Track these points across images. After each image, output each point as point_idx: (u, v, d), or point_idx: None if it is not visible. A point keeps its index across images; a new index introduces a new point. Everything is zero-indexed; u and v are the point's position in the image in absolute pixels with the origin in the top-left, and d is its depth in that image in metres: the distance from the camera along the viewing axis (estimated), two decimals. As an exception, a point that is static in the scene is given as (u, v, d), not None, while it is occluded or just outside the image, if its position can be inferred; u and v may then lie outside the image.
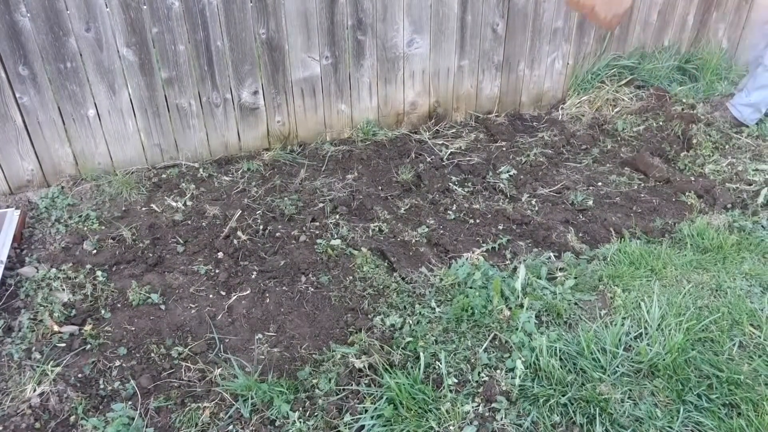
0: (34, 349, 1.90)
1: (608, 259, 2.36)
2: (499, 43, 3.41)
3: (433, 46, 3.24)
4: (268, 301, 2.15)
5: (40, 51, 2.52)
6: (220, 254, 2.36)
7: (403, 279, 2.24)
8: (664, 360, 1.83)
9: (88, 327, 1.99)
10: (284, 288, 2.20)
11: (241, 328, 2.04)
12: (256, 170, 2.97)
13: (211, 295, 2.18)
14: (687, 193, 2.86)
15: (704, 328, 1.98)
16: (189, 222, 2.56)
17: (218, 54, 2.82)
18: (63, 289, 2.14)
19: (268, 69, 2.95)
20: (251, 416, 1.70)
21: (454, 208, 2.71)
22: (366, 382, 1.80)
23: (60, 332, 1.96)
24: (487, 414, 1.68)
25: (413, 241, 2.46)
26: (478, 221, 2.63)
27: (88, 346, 1.93)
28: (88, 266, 2.26)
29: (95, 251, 2.37)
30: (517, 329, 1.96)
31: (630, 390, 1.76)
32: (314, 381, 1.80)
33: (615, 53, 3.82)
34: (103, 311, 2.08)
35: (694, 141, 3.27)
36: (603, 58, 3.77)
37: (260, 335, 2.00)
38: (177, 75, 2.79)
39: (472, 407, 1.69)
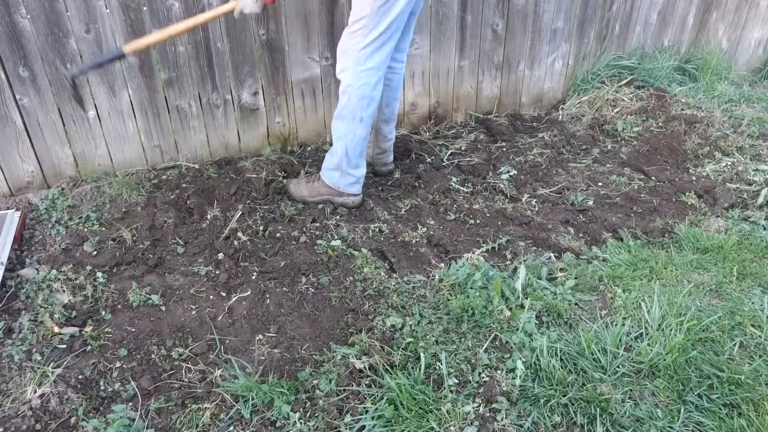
0: (34, 350, 1.90)
1: (608, 260, 2.36)
2: (499, 44, 3.41)
3: (432, 46, 3.24)
4: (268, 301, 2.15)
5: (40, 52, 2.52)
6: (221, 255, 2.36)
7: (403, 280, 2.24)
8: (664, 360, 1.83)
9: (88, 328, 1.99)
10: (285, 289, 2.20)
11: (241, 329, 2.04)
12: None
13: (211, 296, 2.18)
14: (687, 193, 2.86)
15: (705, 328, 1.98)
16: (189, 223, 2.56)
17: (218, 55, 2.82)
18: (63, 291, 2.14)
19: (268, 70, 2.95)
20: (252, 417, 1.70)
21: (454, 208, 2.71)
22: (366, 382, 1.80)
23: (60, 333, 1.96)
24: (487, 414, 1.68)
25: (413, 241, 2.46)
26: (478, 221, 2.63)
27: (89, 348, 1.93)
28: (89, 267, 2.26)
29: (95, 252, 2.37)
30: (517, 329, 1.96)
31: (630, 390, 1.76)
32: (315, 382, 1.80)
33: (615, 53, 3.82)
34: (103, 312, 2.08)
35: (694, 141, 3.27)
36: (603, 58, 3.78)
37: (261, 336, 2.00)
38: (177, 76, 2.80)
39: (473, 408, 1.69)
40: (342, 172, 2.59)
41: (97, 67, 2.42)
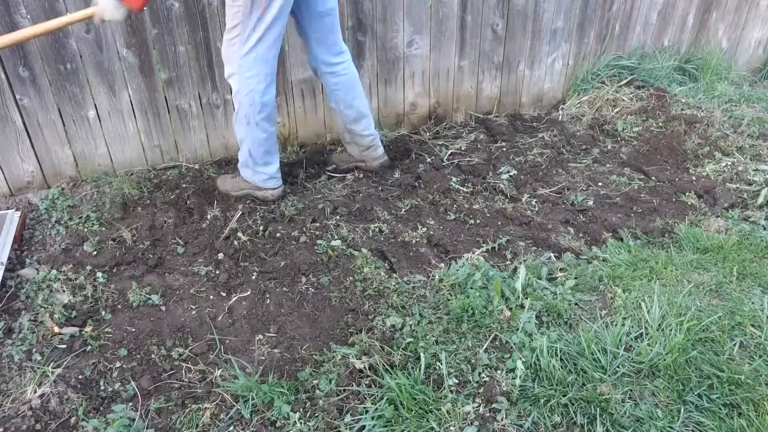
0: (34, 350, 1.90)
1: (608, 260, 2.36)
2: (499, 44, 3.41)
3: (433, 46, 3.25)
4: (268, 301, 2.15)
5: (40, 52, 2.52)
6: (221, 255, 2.36)
7: (403, 280, 2.24)
8: (664, 360, 1.83)
9: (88, 328, 1.99)
10: (285, 289, 2.20)
11: (241, 329, 2.04)
12: (257, 171, 2.96)
13: (211, 296, 2.18)
14: (687, 193, 2.86)
15: (705, 328, 1.98)
16: (189, 223, 2.56)
17: (218, 55, 2.81)
18: (63, 291, 2.14)
19: (268, 70, 2.95)
20: (252, 417, 1.70)
21: (454, 208, 2.71)
22: (366, 382, 1.80)
23: (60, 334, 1.96)
24: (487, 414, 1.68)
25: (413, 241, 2.46)
26: (478, 221, 2.63)
27: (89, 348, 1.93)
28: (89, 267, 2.26)
29: (95, 252, 2.37)
30: (517, 329, 1.96)
31: (630, 390, 1.76)
32: (315, 382, 1.80)
33: (615, 53, 3.82)
34: (103, 312, 2.08)
35: (694, 141, 3.27)
36: (603, 58, 3.78)
37: (261, 336, 2.00)
38: (177, 76, 2.80)
39: (473, 408, 1.69)
40: (252, 170, 2.63)
41: None
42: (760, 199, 2.76)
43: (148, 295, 2.15)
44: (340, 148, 3.13)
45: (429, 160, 3.14)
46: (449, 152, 3.21)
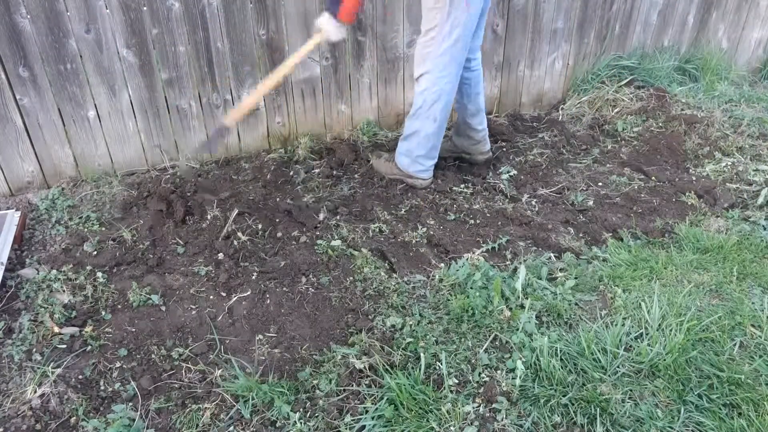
0: (34, 350, 1.90)
1: (608, 260, 2.36)
2: (499, 44, 3.41)
3: (432, 46, 3.24)
4: (268, 302, 2.15)
5: (41, 53, 2.52)
6: (221, 255, 2.36)
7: (403, 280, 2.24)
8: (664, 360, 1.83)
9: (88, 328, 1.99)
10: (285, 289, 2.20)
11: (241, 329, 2.04)
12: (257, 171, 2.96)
13: (211, 296, 2.18)
14: (687, 194, 2.86)
15: (705, 328, 1.98)
16: (189, 223, 2.56)
17: (218, 55, 2.82)
18: (63, 291, 2.14)
19: (269, 70, 2.95)
20: (252, 417, 1.70)
21: (454, 208, 2.71)
22: (366, 382, 1.80)
23: (60, 334, 1.96)
24: (487, 414, 1.68)
25: (413, 241, 2.46)
26: (478, 222, 2.63)
27: (89, 348, 1.93)
28: (89, 267, 2.26)
29: (95, 252, 2.37)
30: (517, 329, 1.96)
31: (631, 390, 1.76)
32: (315, 382, 1.80)
33: (615, 53, 3.82)
34: (103, 312, 2.08)
35: (694, 141, 3.27)
36: (603, 58, 3.78)
37: (261, 336, 2.00)
38: (177, 76, 2.80)
39: (473, 408, 1.69)
40: (412, 160, 2.81)
41: (210, 145, 2.81)
42: (760, 199, 2.76)
43: (148, 295, 2.15)
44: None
45: (429, 160, 3.14)
46: (449, 152, 3.21)
